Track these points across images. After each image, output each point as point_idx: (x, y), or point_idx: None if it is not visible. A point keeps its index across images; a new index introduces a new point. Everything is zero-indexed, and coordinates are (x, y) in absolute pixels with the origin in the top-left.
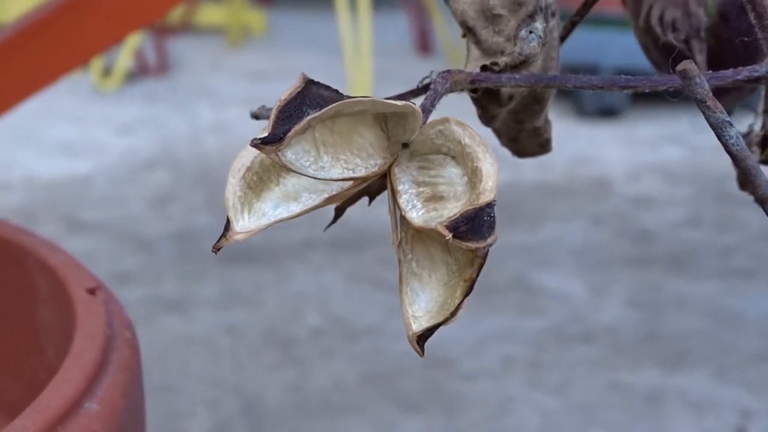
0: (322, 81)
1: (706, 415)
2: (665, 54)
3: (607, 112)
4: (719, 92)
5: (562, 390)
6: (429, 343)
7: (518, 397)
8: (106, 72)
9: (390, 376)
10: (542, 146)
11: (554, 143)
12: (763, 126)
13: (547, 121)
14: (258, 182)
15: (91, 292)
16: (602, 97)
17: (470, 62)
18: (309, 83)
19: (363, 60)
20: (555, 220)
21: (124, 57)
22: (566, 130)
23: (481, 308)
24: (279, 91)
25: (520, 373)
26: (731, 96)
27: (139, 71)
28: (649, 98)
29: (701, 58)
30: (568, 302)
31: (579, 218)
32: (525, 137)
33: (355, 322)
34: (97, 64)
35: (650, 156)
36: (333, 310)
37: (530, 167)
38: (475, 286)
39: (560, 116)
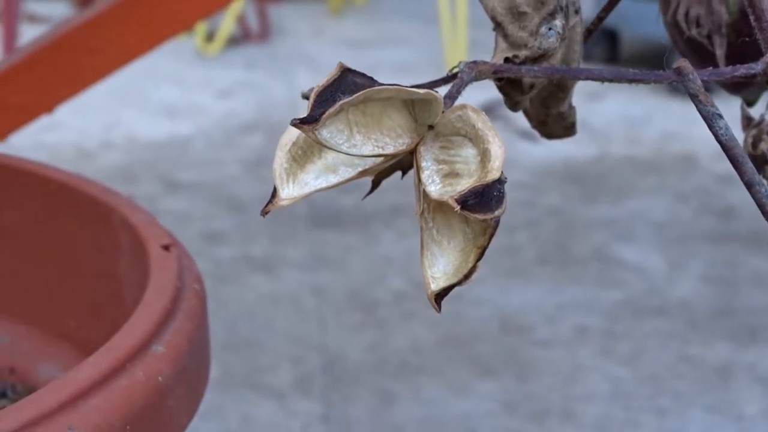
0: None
1: None
2: (690, 47)
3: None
4: (746, 82)
5: (633, 360)
6: (507, 310)
7: (590, 366)
8: (210, 36)
9: (467, 340)
10: (567, 129)
11: (645, 118)
12: None
13: (571, 107)
14: (302, 156)
15: (166, 248)
16: None
17: (497, 53)
18: (345, 71)
19: (459, 30)
20: (640, 194)
21: (227, 22)
22: (658, 106)
23: (560, 278)
24: (377, 59)
25: (594, 343)
26: (756, 85)
27: (242, 36)
28: None
29: (721, 51)
30: (645, 275)
31: (664, 193)
32: (552, 121)
33: None
34: (201, 28)
35: (739, 133)
36: (416, 275)
37: (619, 142)
38: (555, 257)
39: (653, 92)
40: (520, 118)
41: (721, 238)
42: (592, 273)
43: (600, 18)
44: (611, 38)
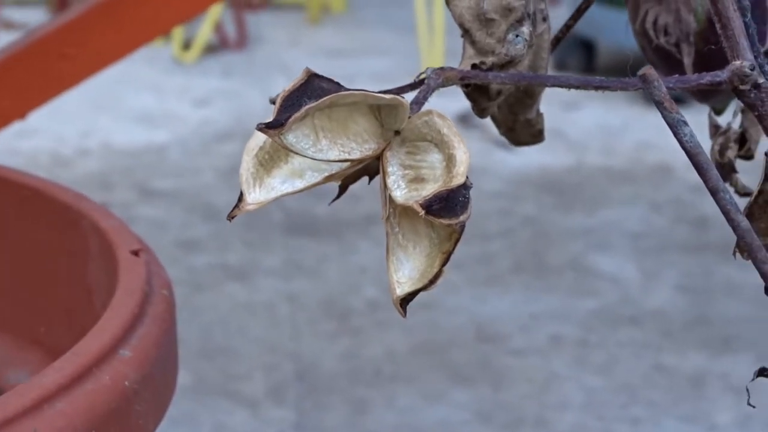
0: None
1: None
2: (658, 55)
3: (676, 100)
4: (714, 90)
5: (607, 369)
6: (482, 318)
7: (564, 375)
8: (187, 44)
9: (441, 348)
10: (535, 136)
11: (622, 128)
12: (741, 124)
13: (539, 114)
14: (269, 160)
15: (135, 253)
16: None
17: (464, 60)
18: (312, 77)
19: (436, 39)
20: (615, 204)
21: (204, 30)
22: (634, 116)
23: (535, 287)
24: (355, 68)
25: (568, 352)
26: (724, 93)
27: (219, 44)
28: None
29: (689, 60)
30: (620, 285)
31: (639, 203)
32: (519, 127)
33: None
34: (178, 35)
35: (707, 141)
36: None
37: (595, 151)
38: (531, 266)
39: (629, 102)
40: None
41: (695, 248)
42: (567, 282)
43: (568, 26)
44: (587, 48)
